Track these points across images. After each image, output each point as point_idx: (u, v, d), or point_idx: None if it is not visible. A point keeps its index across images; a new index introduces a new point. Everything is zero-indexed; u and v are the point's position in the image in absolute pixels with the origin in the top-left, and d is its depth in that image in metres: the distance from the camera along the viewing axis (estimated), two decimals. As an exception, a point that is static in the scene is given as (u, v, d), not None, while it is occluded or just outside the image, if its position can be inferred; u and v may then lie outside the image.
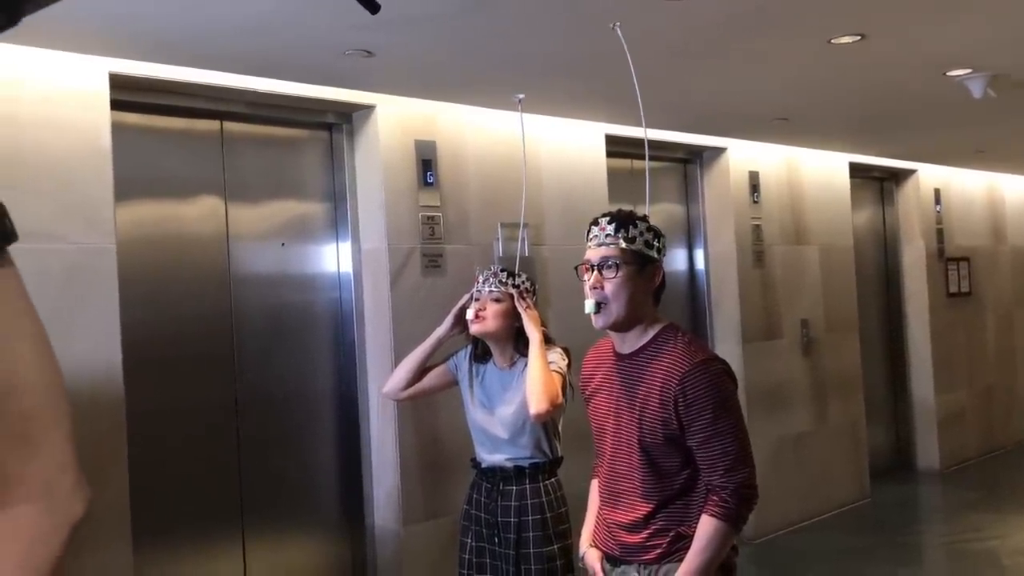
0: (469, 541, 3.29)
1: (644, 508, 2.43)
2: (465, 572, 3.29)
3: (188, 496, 3.86)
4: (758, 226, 6.32)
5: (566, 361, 3.24)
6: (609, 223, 2.47)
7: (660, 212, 6.01)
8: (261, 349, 4.14)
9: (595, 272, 2.45)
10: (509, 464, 3.22)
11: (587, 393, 2.67)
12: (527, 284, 3.33)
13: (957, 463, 8.17)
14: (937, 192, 8.24)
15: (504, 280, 3.28)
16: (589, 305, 2.45)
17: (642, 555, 2.44)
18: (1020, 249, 9.45)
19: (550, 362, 3.16)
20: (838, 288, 7.03)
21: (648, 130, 3.06)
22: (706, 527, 2.32)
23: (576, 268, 2.56)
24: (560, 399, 3.12)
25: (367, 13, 1.38)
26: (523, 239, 4.07)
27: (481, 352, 3.37)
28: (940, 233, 8.24)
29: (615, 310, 2.42)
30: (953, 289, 8.35)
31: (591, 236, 2.51)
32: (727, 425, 2.34)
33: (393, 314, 4.26)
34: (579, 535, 2.71)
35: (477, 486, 3.31)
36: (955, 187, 8.50)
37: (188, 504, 3.85)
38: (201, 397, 3.93)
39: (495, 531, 3.20)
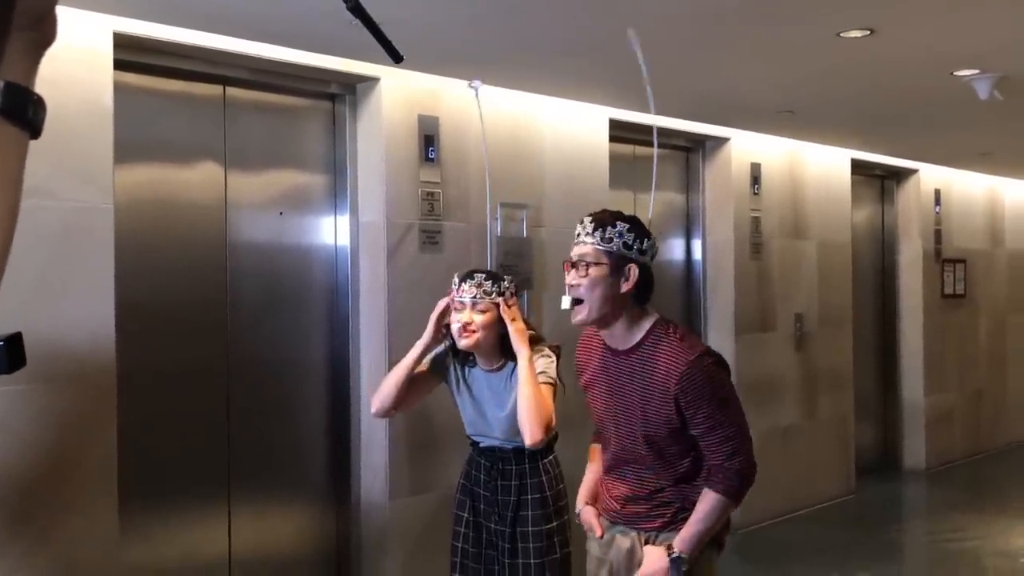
0: (466, 515, 3.25)
1: (652, 485, 2.55)
2: (460, 546, 3.26)
3: (176, 460, 3.86)
4: (757, 218, 6.32)
5: (554, 361, 3.11)
6: (591, 222, 2.52)
7: (660, 200, 5.99)
8: (255, 317, 4.13)
9: (574, 269, 2.51)
10: (508, 446, 3.17)
11: (583, 382, 2.72)
12: (511, 288, 3.16)
13: (943, 464, 8.21)
14: (937, 193, 8.23)
15: (489, 290, 3.10)
16: (565, 301, 2.51)
17: (645, 524, 2.57)
18: (1017, 253, 9.45)
19: (539, 372, 3.04)
20: (834, 284, 7.04)
21: (652, 117, 3.04)
22: (708, 499, 2.45)
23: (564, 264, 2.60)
24: (554, 420, 3.04)
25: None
26: (511, 221, 4.03)
27: (464, 354, 3.21)
28: (938, 234, 8.24)
29: (588, 308, 2.49)
30: (948, 291, 8.36)
31: (576, 234, 2.55)
32: (726, 415, 2.46)
33: (389, 289, 4.25)
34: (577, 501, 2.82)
35: (475, 463, 3.25)
36: (956, 189, 8.49)
37: (176, 468, 3.85)
38: (193, 362, 3.93)
39: (494, 508, 3.19)
